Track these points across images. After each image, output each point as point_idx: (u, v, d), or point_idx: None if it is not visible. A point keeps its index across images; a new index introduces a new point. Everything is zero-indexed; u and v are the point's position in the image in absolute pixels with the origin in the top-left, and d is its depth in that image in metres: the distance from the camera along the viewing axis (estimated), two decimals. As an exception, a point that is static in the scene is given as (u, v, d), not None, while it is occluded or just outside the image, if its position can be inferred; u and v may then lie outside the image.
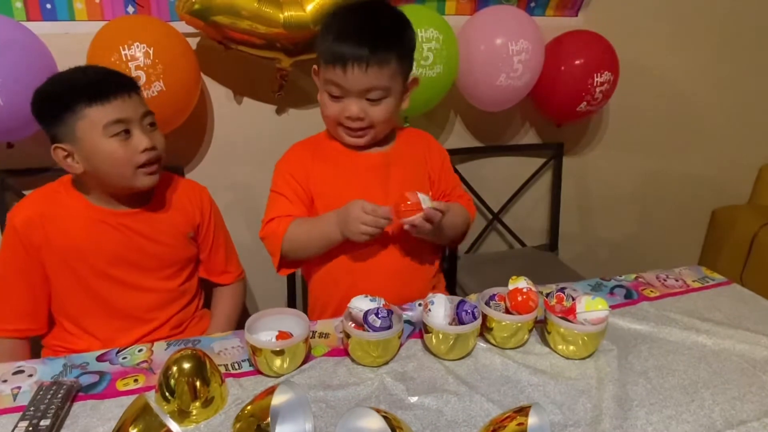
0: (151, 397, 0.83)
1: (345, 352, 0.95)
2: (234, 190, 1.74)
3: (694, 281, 1.26)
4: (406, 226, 1.06)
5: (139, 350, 0.95)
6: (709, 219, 2.38)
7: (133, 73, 1.32)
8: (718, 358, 0.99)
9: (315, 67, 1.17)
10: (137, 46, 1.31)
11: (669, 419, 0.83)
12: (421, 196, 1.05)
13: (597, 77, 1.68)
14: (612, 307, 1.08)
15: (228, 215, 1.75)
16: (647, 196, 2.29)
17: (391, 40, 1.10)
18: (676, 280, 1.26)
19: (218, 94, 1.63)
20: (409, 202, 1.03)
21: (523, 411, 0.73)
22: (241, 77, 1.62)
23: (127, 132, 1.09)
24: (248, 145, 1.70)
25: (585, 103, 1.72)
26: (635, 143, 2.17)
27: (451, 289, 1.76)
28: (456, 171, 1.87)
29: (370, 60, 1.06)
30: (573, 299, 0.98)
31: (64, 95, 1.06)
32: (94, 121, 1.05)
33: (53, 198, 1.15)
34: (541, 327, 1.01)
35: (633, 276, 1.27)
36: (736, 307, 1.15)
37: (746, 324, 1.08)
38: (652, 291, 1.21)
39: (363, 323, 0.91)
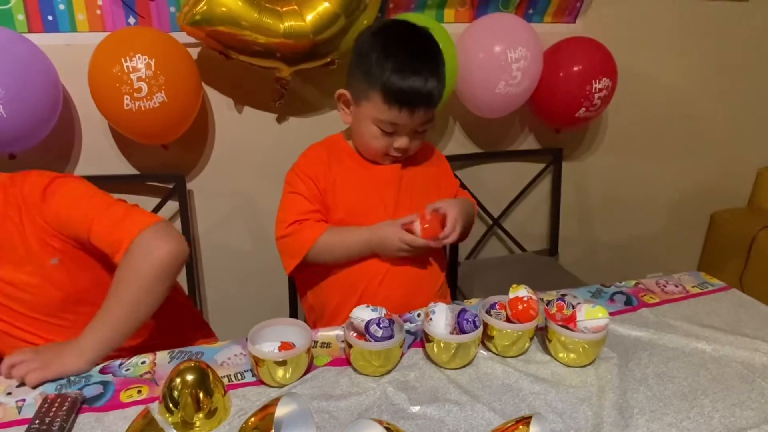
0: (155, 408, 0.84)
1: (347, 362, 0.96)
2: (235, 199, 1.75)
3: (693, 287, 1.26)
4: (432, 243, 1.12)
5: (142, 362, 0.96)
6: (709, 222, 2.39)
7: (136, 85, 1.33)
8: (718, 364, 0.99)
9: (345, 93, 1.15)
10: (139, 58, 1.32)
11: (669, 426, 0.84)
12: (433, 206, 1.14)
13: (595, 83, 1.69)
14: (612, 313, 1.08)
15: (229, 223, 1.77)
16: (646, 201, 2.30)
17: (442, 70, 1.11)
18: (676, 286, 1.27)
19: (219, 103, 1.64)
20: (428, 216, 1.12)
21: (524, 421, 0.73)
22: (242, 87, 1.63)
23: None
24: (249, 154, 1.71)
25: (584, 109, 1.73)
26: (634, 148, 2.17)
27: (452, 295, 1.76)
28: (456, 177, 1.88)
29: (435, 100, 1.09)
30: (573, 307, 0.98)
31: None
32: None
33: None
34: (542, 335, 1.02)
35: (633, 282, 1.28)
36: (735, 312, 1.16)
37: (745, 330, 1.09)
38: (651, 297, 1.21)
39: (365, 333, 0.91)
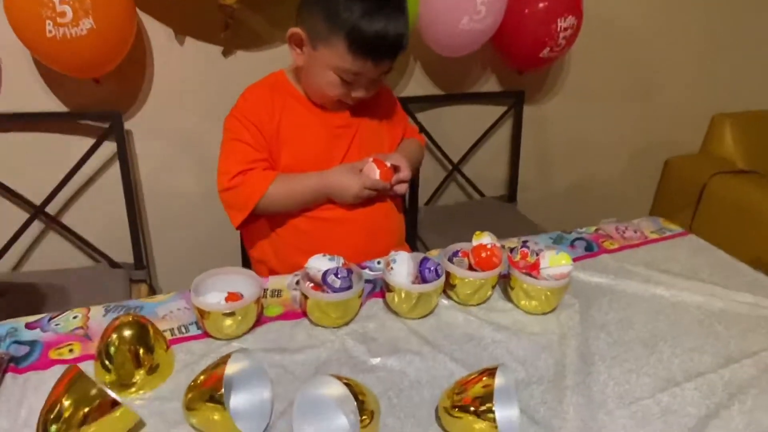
0: (91, 367, 0.77)
1: (303, 314, 0.90)
2: (179, 139, 1.63)
3: (652, 232, 1.26)
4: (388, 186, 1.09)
5: (74, 317, 0.87)
6: (662, 168, 2.42)
7: (58, 8, 1.18)
8: (676, 310, 0.99)
9: (298, 32, 1.02)
10: (60, -24, 1.16)
11: (629, 373, 0.83)
12: (381, 156, 1.10)
13: (561, 22, 1.63)
14: (573, 260, 1.06)
15: (173, 166, 1.65)
16: (604, 146, 2.30)
17: (407, 15, 1.01)
18: (635, 232, 1.26)
19: (157, 33, 1.48)
20: (389, 164, 1.08)
21: (488, 372, 0.70)
22: (183, 15, 1.47)
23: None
24: (193, 90, 1.58)
25: (548, 49, 1.67)
26: (594, 92, 2.15)
27: (411, 242, 1.73)
28: (415, 119, 1.81)
29: (404, 48, 1.01)
30: (537, 255, 0.95)
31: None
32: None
33: None
34: (504, 282, 0.99)
35: (593, 228, 1.27)
36: (692, 258, 1.17)
37: (702, 275, 1.10)
38: (611, 243, 1.20)
39: (322, 284, 0.86)
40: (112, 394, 0.67)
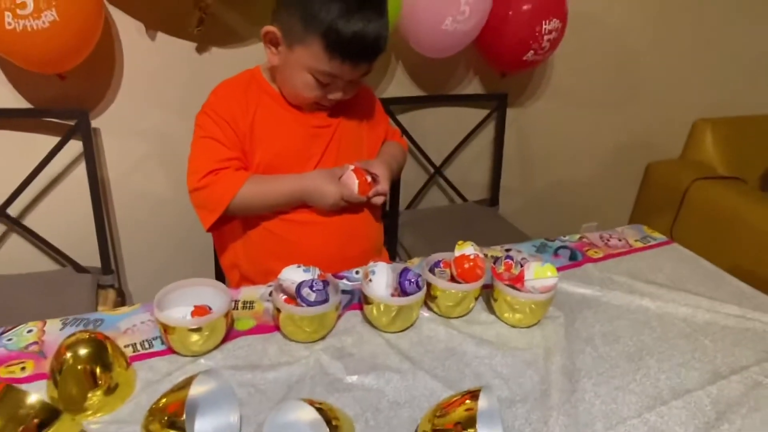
0: (44, 387, 0.71)
1: (275, 328, 0.85)
2: (150, 139, 1.55)
3: (636, 241, 1.24)
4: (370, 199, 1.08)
5: (29, 331, 0.81)
6: (644, 173, 2.41)
7: (18, -2, 1.10)
8: (662, 322, 0.97)
9: (273, 31, 0.98)
10: (20, -36, 1.09)
11: (616, 390, 0.80)
12: (362, 164, 1.07)
13: (545, 24, 1.60)
14: (557, 269, 1.03)
15: (144, 167, 1.58)
16: (586, 150, 2.28)
17: (387, 17, 0.97)
18: (619, 240, 1.24)
19: (127, 27, 1.41)
20: (369, 178, 1.05)
21: (472, 395, 0.67)
22: (155, 9, 1.40)
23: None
24: (164, 88, 1.51)
25: (532, 51, 1.64)
26: (577, 96, 2.13)
27: (391, 246, 1.68)
28: (396, 121, 1.77)
29: (382, 51, 0.97)
30: (521, 266, 0.92)
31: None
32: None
33: None
34: (486, 293, 0.96)
35: (577, 236, 1.24)
36: (677, 268, 1.14)
37: (687, 286, 1.07)
38: (595, 252, 1.18)
39: (296, 296, 0.81)
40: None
